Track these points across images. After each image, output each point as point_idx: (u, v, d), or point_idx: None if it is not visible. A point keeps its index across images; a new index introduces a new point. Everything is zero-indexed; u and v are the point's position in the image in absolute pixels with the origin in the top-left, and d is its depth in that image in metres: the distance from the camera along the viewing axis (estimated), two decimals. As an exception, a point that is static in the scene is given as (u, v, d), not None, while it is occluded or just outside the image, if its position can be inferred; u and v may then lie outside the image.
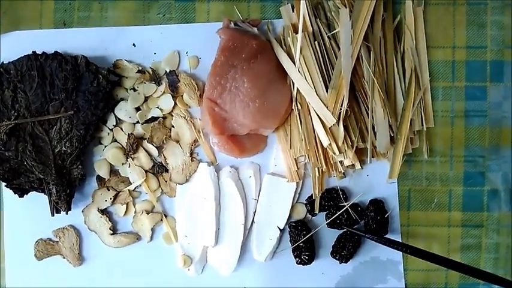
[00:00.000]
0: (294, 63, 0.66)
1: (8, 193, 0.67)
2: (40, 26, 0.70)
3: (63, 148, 0.66)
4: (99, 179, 0.69)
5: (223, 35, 0.67)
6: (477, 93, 0.70)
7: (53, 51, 0.66)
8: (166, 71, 0.69)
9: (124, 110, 0.68)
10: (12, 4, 0.70)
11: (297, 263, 0.68)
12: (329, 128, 0.65)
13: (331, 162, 0.67)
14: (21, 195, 0.67)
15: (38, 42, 0.68)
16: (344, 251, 0.68)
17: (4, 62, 0.66)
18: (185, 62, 0.70)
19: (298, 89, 0.66)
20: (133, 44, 0.69)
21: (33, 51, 0.66)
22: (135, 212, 0.69)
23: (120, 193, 0.69)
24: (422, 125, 0.69)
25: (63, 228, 0.69)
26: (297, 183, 0.69)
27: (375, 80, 0.65)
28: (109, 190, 0.68)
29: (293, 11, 0.69)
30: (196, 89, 0.68)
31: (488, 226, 0.70)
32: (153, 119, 0.69)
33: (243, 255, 0.69)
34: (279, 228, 0.68)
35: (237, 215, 0.68)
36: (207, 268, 0.70)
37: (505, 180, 0.70)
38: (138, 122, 0.68)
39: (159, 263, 0.69)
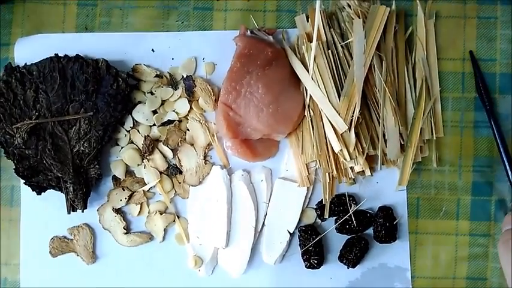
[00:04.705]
0: (308, 71, 0.68)
1: (26, 190, 0.69)
2: (62, 30, 0.72)
3: (82, 148, 0.67)
4: (115, 179, 0.70)
5: (240, 42, 0.69)
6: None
7: (74, 54, 0.68)
8: (183, 76, 0.71)
9: (141, 113, 0.70)
10: (36, 8, 0.72)
11: (305, 266, 0.69)
12: (340, 134, 0.66)
13: (342, 168, 0.67)
14: (39, 193, 0.68)
15: (60, 45, 0.70)
16: (351, 255, 0.68)
17: (27, 64, 0.68)
18: (202, 67, 0.71)
19: (311, 96, 0.68)
20: (152, 50, 0.71)
21: (55, 54, 0.68)
22: (148, 212, 0.70)
23: (135, 193, 0.70)
24: (432, 134, 0.70)
25: (78, 227, 0.70)
26: (308, 188, 0.70)
27: (386, 88, 0.67)
28: (124, 190, 0.70)
29: (308, 21, 0.71)
30: (212, 94, 0.70)
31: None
32: (169, 122, 0.70)
33: (252, 258, 0.70)
34: (289, 232, 0.69)
35: (248, 217, 0.69)
36: (217, 269, 0.70)
37: (512, 191, 0.71)
38: (154, 124, 0.70)
39: (171, 263, 0.70)
